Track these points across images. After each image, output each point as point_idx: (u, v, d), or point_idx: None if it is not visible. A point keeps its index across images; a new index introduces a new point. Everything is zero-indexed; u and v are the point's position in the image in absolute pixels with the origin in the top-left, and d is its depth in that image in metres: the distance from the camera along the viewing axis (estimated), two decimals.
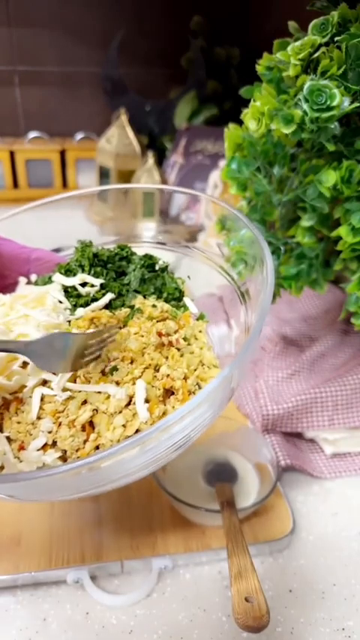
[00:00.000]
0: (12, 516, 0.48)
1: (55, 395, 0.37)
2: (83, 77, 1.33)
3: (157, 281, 0.46)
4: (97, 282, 0.45)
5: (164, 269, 0.48)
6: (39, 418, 0.37)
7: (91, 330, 0.41)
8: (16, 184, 1.31)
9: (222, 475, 0.51)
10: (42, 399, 0.37)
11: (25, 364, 0.38)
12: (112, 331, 0.40)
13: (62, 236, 0.52)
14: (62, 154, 1.30)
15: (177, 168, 1.21)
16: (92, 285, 0.45)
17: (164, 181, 1.16)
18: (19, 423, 0.37)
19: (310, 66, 0.47)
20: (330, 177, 0.48)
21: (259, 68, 0.51)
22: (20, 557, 0.44)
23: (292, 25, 0.52)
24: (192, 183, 1.18)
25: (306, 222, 0.53)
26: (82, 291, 0.44)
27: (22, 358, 0.38)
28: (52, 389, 0.37)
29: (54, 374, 0.38)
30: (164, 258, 0.48)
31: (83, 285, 0.45)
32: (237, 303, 0.42)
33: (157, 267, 0.48)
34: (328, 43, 0.46)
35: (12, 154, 1.28)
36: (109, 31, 1.23)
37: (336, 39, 0.45)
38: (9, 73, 1.30)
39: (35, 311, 0.41)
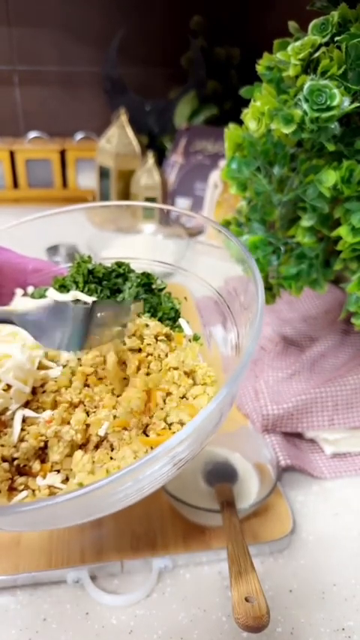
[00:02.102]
0: None
1: (38, 417, 0.37)
2: (83, 77, 1.33)
3: (153, 299, 0.45)
4: (90, 299, 0.43)
5: (161, 289, 0.47)
6: (21, 441, 0.36)
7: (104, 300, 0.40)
8: (16, 184, 1.31)
9: (222, 475, 0.51)
10: (24, 421, 0.37)
11: (8, 387, 0.38)
12: (132, 307, 0.38)
13: (61, 235, 0.52)
14: (62, 153, 1.30)
15: (177, 168, 1.21)
16: (85, 303, 0.43)
17: (164, 181, 1.16)
18: (2, 446, 0.36)
19: (310, 66, 0.47)
20: (330, 177, 0.48)
21: (259, 68, 0.51)
22: (20, 557, 0.44)
23: (292, 25, 0.52)
24: (192, 183, 1.18)
25: (306, 222, 0.53)
26: None
27: (5, 380, 0.37)
28: (34, 410, 0.37)
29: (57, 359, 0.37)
30: (162, 278, 0.47)
31: (76, 302, 0.44)
32: (233, 309, 0.42)
33: (153, 287, 0.46)
34: (328, 43, 0.46)
35: (12, 154, 1.27)
36: (109, 31, 1.23)
37: (336, 39, 0.45)
38: (9, 73, 1.30)
39: (20, 329, 0.40)
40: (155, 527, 0.47)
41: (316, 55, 0.46)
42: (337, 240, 0.52)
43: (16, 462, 0.36)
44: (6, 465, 0.35)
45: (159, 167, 1.16)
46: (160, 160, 1.24)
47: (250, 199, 0.59)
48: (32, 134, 1.31)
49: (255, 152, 0.54)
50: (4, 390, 0.38)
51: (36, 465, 0.36)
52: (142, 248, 0.91)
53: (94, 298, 0.44)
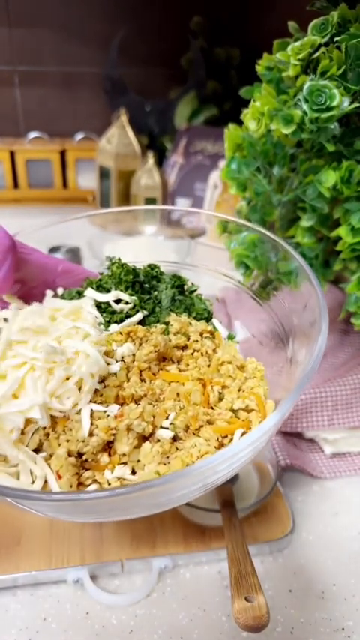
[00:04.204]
0: (12, 516, 0.48)
1: (106, 411, 0.36)
2: (83, 77, 1.33)
3: (186, 300, 0.46)
4: (131, 299, 0.44)
5: (193, 291, 0.48)
6: (91, 435, 0.35)
7: None
8: (16, 184, 1.31)
9: None
10: (91, 416, 0.36)
11: (80, 380, 0.37)
12: None
13: (62, 236, 0.52)
14: (62, 154, 1.30)
15: (177, 168, 1.21)
16: (126, 303, 0.44)
17: (164, 182, 1.16)
18: (68, 441, 0.35)
19: (310, 66, 0.47)
20: (330, 178, 0.48)
21: (259, 68, 0.51)
22: (20, 557, 0.44)
23: (292, 25, 0.52)
24: (192, 183, 1.18)
25: (306, 222, 0.53)
26: (116, 307, 0.44)
27: (79, 375, 0.36)
28: (100, 404, 0.37)
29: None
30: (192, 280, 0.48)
31: (116, 302, 0.45)
32: (243, 305, 0.43)
33: (185, 288, 0.48)
34: (327, 43, 0.46)
35: (12, 154, 1.28)
36: (109, 31, 1.23)
37: (336, 39, 0.45)
38: (9, 73, 1.30)
39: (80, 323, 0.40)
40: (155, 527, 0.47)
41: (316, 55, 0.46)
42: (337, 240, 0.52)
43: (83, 457, 0.35)
44: (73, 459, 0.35)
45: (159, 167, 1.16)
46: (160, 161, 1.25)
47: (250, 199, 0.59)
48: (32, 134, 1.31)
49: (255, 152, 0.54)
50: (76, 385, 0.37)
51: (104, 458, 0.35)
52: (143, 249, 0.91)
53: (135, 298, 0.45)
